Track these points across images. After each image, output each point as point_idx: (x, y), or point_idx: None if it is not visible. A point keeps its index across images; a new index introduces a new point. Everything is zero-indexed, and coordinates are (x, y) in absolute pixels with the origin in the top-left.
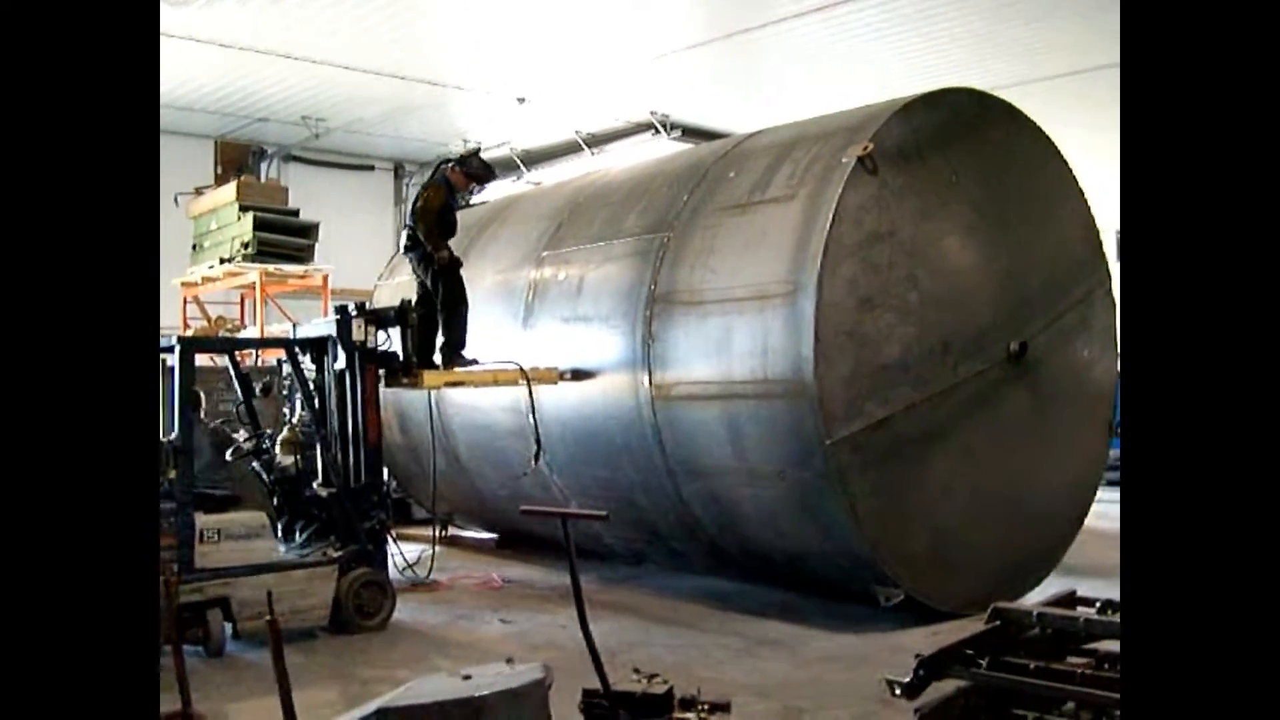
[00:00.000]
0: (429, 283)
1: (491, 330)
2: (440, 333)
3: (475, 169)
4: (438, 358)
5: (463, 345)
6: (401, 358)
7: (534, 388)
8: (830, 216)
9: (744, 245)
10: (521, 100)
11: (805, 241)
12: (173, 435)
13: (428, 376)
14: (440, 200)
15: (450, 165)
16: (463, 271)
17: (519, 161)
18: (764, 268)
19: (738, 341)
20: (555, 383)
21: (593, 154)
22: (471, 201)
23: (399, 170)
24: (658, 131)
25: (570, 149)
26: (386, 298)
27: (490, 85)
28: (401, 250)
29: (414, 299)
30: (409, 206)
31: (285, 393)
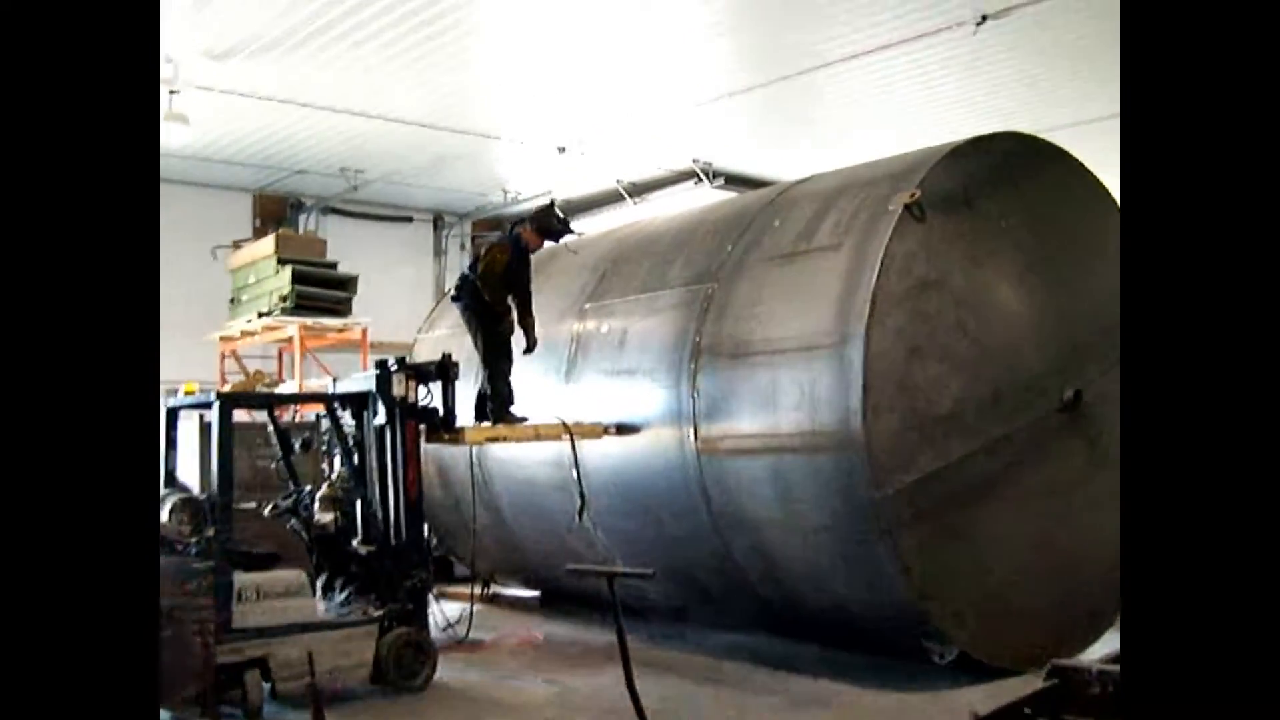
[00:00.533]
0: (475, 336)
1: (534, 385)
2: (487, 385)
3: (550, 225)
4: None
5: (510, 400)
6: (442, 412)
7: (577, 442)
8: (878, 265)
9: (790, 295)
10: (562, 149)
11: (853, 290)
12: (210, 491)
13: (469, 432)
14: (505, 260)
15: (524, 224)
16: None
17: (558, 210)
18: (811, 318)
19: (785, 394)
20: (599, 437)
21: (635, 203)
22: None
23: (438, 222)
24: (700, 180)
25: (611, 198)
26: (427, 351)
27: (529, 134)
28: (451, 295)
29: (479, 349)
30: (469, 261)
31: (325, 448)
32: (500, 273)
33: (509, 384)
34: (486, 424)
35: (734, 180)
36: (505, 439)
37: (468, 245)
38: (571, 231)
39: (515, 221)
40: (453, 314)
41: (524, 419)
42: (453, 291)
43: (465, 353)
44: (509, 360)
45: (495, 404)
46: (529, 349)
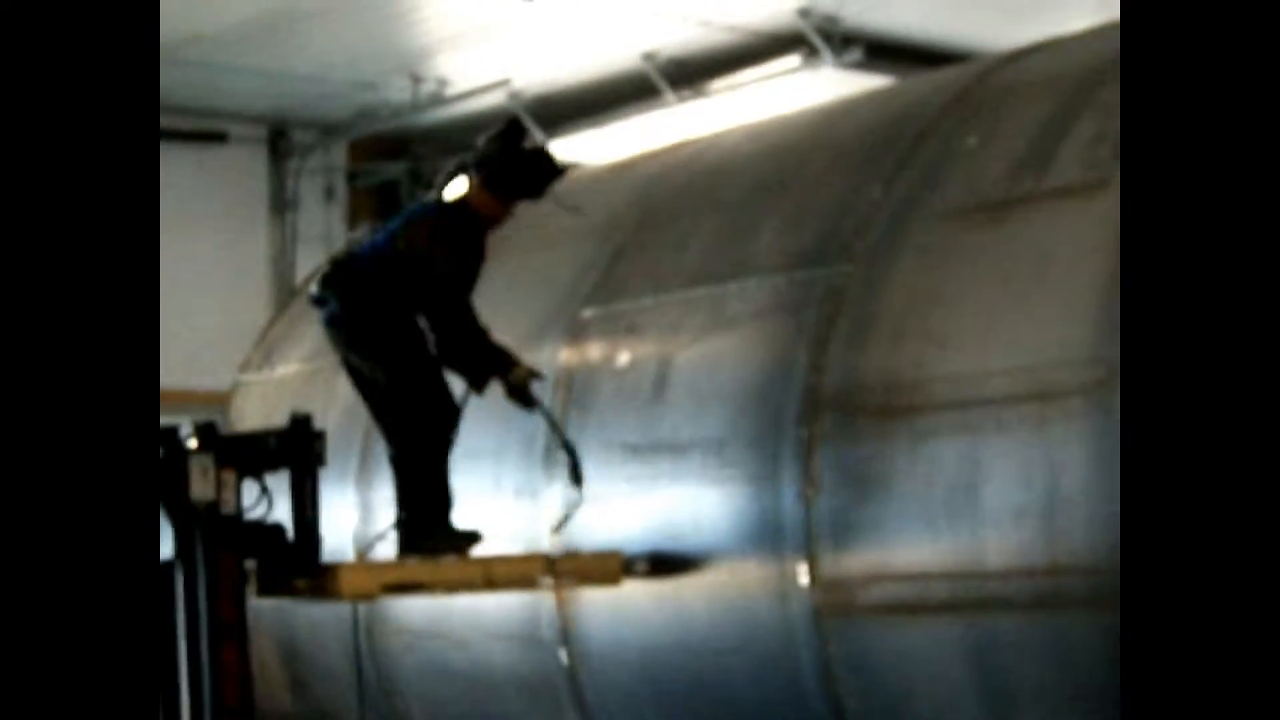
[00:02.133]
0: (384, 377)
1: (478, 476)
2: (399, 486)
3: (520, 168)
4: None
5: (444, 511)
6: (293, 534)
7: (573, 594)
8: None
9: (1001, 287)
10: None
11: None
12: None
13: (348, 573)
14: (450, 243)
15: (469, 173)
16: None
17: (529, 121)
18: (1044, 333)
19: (993, 488)
20: (616, 583)
21: (680, 101)
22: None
23: (278, 141)
24: (814, 52)
25: (633, 91)
26: (258, 407)
27: None
28: (314, 295)
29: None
30: (345, 218)
31: None
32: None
33: (445, 474)
34: (389, 560)
35: (883, 52)
36: (425, 587)
37: (341, 190)
38: (563, 173)
39: (454, 169)
40: (313, 329)
41: (472, 536)
42: (315, 286)
43: (342, 409)
44: (451, 422)
45: (417, 513)
46: (475, 390)
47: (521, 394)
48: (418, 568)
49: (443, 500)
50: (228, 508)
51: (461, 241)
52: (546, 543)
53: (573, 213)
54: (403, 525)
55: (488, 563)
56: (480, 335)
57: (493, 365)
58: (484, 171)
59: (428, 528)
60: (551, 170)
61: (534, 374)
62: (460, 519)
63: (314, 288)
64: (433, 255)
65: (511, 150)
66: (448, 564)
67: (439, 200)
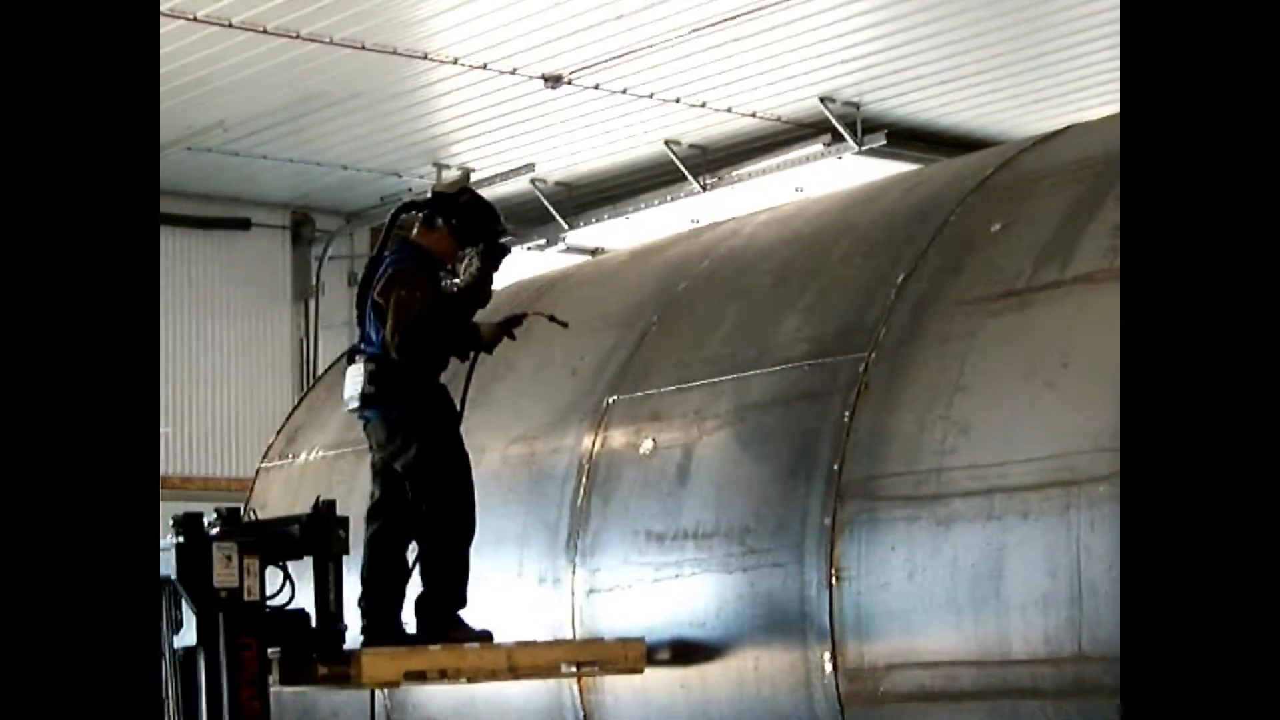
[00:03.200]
0: (402, 465)
1: (501, 562)
2: (419, 573)
3: (470, 220)
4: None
5: (461, 600)
6: (316, 620)
7: (596, 681)
8: None
9: (1025, 374)
10: (553, 81)
11: None
12: None
13: (370, 662)
14: (427, 293)
15: (416, 215)
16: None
17: (550, 207)
18: (1069, 421)
19: (1017, 576)
20: (640, 669)
21: (704, 189)
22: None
23: (300, 228)
24: (837, 139)
25: (658, 179)
26: (280, 495)
27: (497, 53)
28: (350, 405)
29: (372, 499)
30: (353, 301)
31: None
32: (423, 315)
33: (465, 564)
34: (407, 648)
35: (906, 137)
36: (446, 675)
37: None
38: (506, 234)
39: (401, 208)
40: (337, 415)
41: (485, 634)
42: (355, 403)
43: (366, 496)
44: (469, 514)
45: (434, 602)
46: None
47: (493, 346)
48: (441, 654)
49: (460, 590)
50: (251, 595)
51: (434, 299)
52: (570, 630)
53: (560, 325)
54: (422, 611)
55: (511, 650)
56: (447, 332)
57: (468, 340)
58: (436, 214)
59: (445, 619)
60: (492, 221)
61: (507, 325)
62: (484, 604)
63: (354, 403)
64: (393, 340)
65: (458, 196)
66: (471, 651)
67: (396, 251)
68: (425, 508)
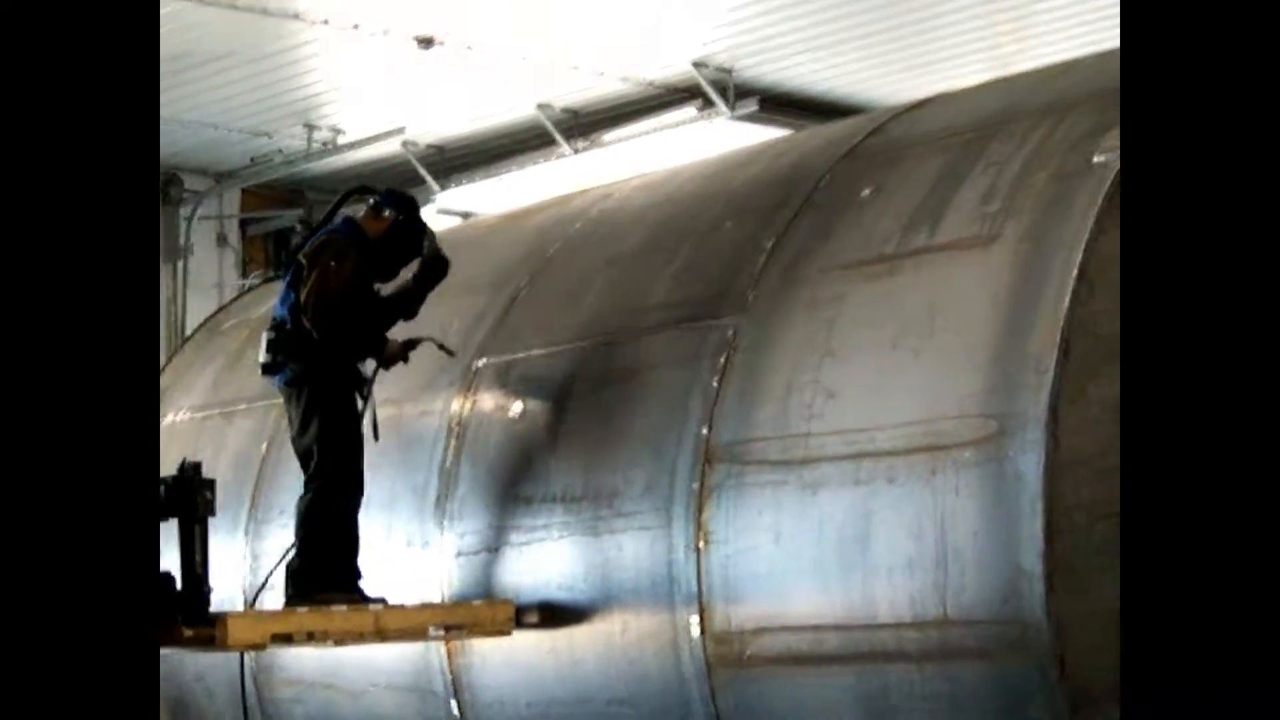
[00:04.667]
0: (303, 421)
1: (370, 525)
2: (316, 529)
3: (416, 223)
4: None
5: (351, 561)
6: (180, 582)
7: (465, 645)
8: (1073, 277)
9: (893, 340)
10: (425, 43)
11: (1021, 330)
12: None
13: (236, 624)
14: (354, 273)
15: (367, 200)
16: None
17: (422, 169)
18: (936, 387)
19: (883, 541)
20: (506, 633)
21: (576, 151)
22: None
23: (168, 188)
24: (709, 104)
25: (531, 142)
26: None
27: (367, 13)
28: (261, 365)
29: (307, 446)
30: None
31: None
32: (343, 288)
33: (354, 527)
34: (278, 610)
35: (778, 104)
36: (314, 638)
37: (234, 237)
38: (428, 240)
39: (347, 193)
40: (204, 376)
41: (379, 600)
42: (264, 355)
43: (233, 458)
44: (359, 478)
45: (324, 566)
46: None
47: (391, 364)
48: (307, 617)
49: (352, 557)
50: None
51: (357, 277)
52: (438, 593)
53: (448, 354)
54: (295, 574)
55: (379, 613)
56: (363, 320)
57: (375, 345)
58: (385, 204)
59: (325, 578)
60: (417, 230)
61: (407, 346)
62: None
63: (264, 356)
64: (308, 305)
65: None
66: (338, 614)
67: (334, 226)
68: (314, 471)
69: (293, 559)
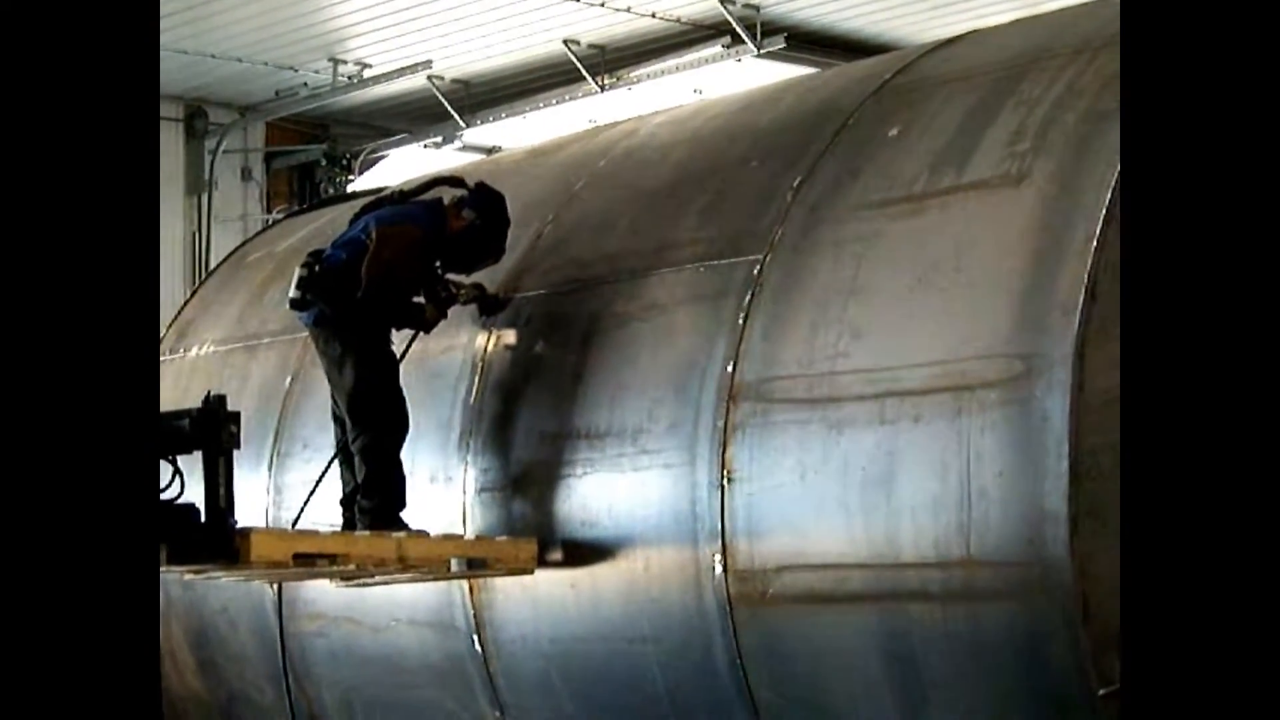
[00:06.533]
0: (338, 368)
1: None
2: (361, 467)
3: (493, 231)
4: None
5: (400, 502)
6: (205, 513)
7: (487, 582)
8: (1101, 218)
9: (919, 280)
10: None
11: (1048, 271)
12: None
13: (259, 540)
14: (421, 255)
15: (455, 194)
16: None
17: (448, 105)
18: (961, 326)
19: (908, 481)
20: (530, 571)
21: (602, 89)
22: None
23: (193, 121)
24: (736, 41)
25: (557, 78)
26: (171, 389)
27: None
28: (289, 299)
29: (345, 392)
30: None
31: None
32: (406, 277)
33: (400, 468)
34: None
35: (806, 42)
36: (335, 561)
37: (258, 171)
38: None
39: (435, 181)
40: (229, 310)
41: (422, 533)
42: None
43: (257, 391)
44: (404, 419)
45: (376, 503)
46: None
47: (432, 326)
48: (330, 539)
49: (399, 495)
50: None
51: (422, 255)
52: (461, 529)
53: (495, 304)
54: (368, 511)
55: (401, 540)
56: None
57: (413, 316)
58: (472, 202)
59: (391, 517)
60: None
61: (442, 308)
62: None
63: (294, 291)
64: (375, 264)
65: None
66: (361, 538)
67: (409, 209)
68: (362, 420)
69: (361, 498)
